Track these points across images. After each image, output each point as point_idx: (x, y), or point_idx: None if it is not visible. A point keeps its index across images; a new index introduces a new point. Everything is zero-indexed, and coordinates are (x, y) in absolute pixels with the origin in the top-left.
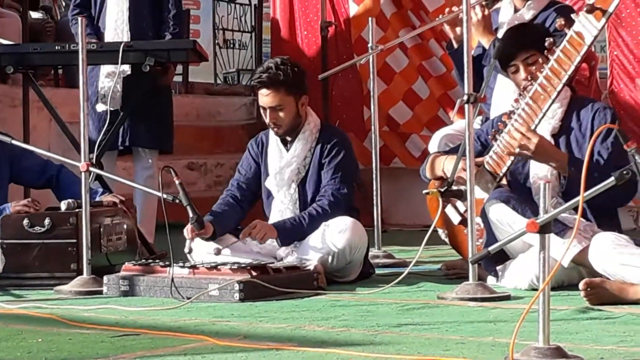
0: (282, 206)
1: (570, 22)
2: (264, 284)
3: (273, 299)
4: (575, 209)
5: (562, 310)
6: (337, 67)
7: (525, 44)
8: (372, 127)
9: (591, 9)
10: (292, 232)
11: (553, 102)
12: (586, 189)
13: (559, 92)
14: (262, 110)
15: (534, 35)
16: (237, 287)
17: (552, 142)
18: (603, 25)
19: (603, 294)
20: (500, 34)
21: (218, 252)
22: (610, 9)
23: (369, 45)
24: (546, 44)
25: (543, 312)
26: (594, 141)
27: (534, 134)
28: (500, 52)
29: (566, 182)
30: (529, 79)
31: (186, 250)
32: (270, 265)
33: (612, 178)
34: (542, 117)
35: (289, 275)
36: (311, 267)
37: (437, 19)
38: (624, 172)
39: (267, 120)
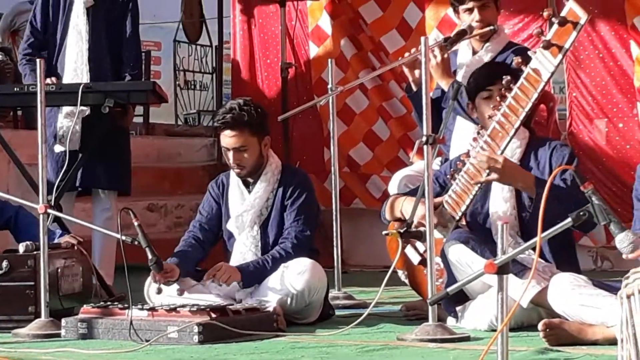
0: (243, 248)
1: (527, 60)
2: (224, 325)
3: (232, 341)
4: (534, 249)
5: (521, 351)
6: (297, 108)
7: (501, 76)
8: (332, 168)
9: (547, 45)
10: (255, 275)
11: (511, 139)
12: (549, 208)
13: (516, 129)
14: (224, 152)
15: (507, 70)
16: (196, 329)
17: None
18: (560, 61)
19: (562, 335)
20: (458, 76)
21: (181, 293)
22: (567, 45)
23: (329, 86)
24: (504, 81)
25: (502, 353)
26: (553, 178)
27: (499, 155)
28: (475, 80)
29: (533, 204)
30: (495, 112)
31: (155, 291)
32: (230, 307)
33: (569, 219)
34: (501, 154)
35: (249, 317)
36: (270, 309)
37: (397, 60)
38: (581, 214)
39: (230, 162)
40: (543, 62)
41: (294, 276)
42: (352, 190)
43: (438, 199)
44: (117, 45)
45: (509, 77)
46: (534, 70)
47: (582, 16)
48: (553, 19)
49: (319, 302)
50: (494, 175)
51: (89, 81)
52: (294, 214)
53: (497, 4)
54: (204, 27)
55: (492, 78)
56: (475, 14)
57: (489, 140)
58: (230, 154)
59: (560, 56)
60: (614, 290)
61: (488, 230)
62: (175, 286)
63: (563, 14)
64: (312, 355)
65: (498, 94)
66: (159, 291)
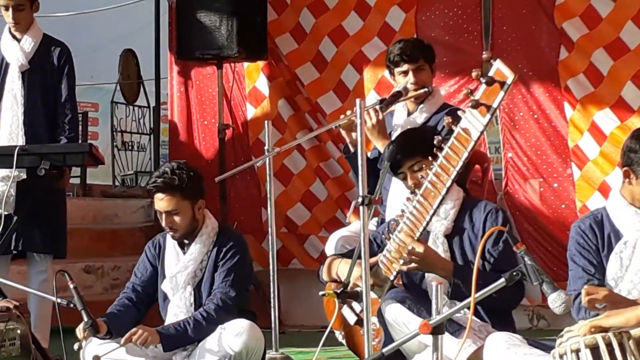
0: (177, 309)
1: (457, 119)
2: None
3: None
4: (469, 309)
5: None
6: (235, 169)
7: (410, 152)
8: (270, 228)
9: (476, 105)
10: (175, 338)
11: (444, 198)
12: (475, 292)
13: (448, 189)
14: (158, 214)
15: (419, 142)
16: None
17: (446, 242)
18: (488, 120)
19: None
20: (394, 137)
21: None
22: (494, 104)
23: (266, 147)
24: (435, 141)
25: None
26: (484, 244)
27: (419, 244)
28: (388, 161)
29: (451, 290)
30: (414, 186)
31: (75, 347)
32: None
33: (502, 279)
34: (433, 213)
35: None
36: None
37: (334, 122)
38: (514, 274)
39: (163, 224)
40: (472, 122)
41: (232, 337)
42: (290, 250)
43: (373, 259)
44: (52, 108)
45: (440, 137)
46: (464, 129)
47: (509, 76)
48: (481, 79)
49: None
50: (413, 265)
51: (24, 144)
52: (224, 274)
53: (432, 66)
54: (142, 88)
55: (399, 160)
56: (410, 76)
57: (421, 200)
58: (163, 217)
59: (488, 115)
60: (549, 349)
61: (424, 290)
62: (113, 345)
63: (490, 73)
64: None
65: (410, 172)
66: (79, 347)
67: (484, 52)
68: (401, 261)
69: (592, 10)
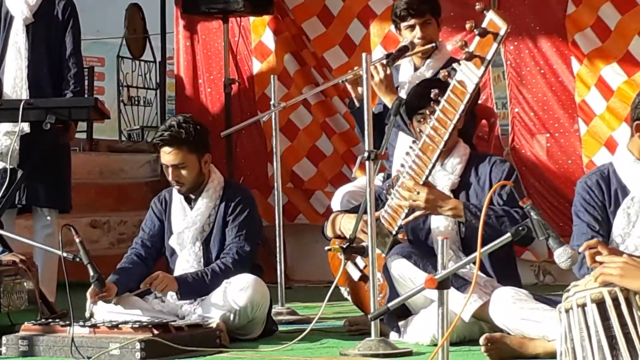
0: (186, 265)
1: (452, 72)
2: (166, 342)
3: (175, 357)
4: (475, 264)
5: None
6: (241, 124)
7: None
8: (276, 183)
9: (470, 57)
10: (193, 287)
11: (441, 151)
12: (484, 232)
13: (446, 142)
14: (164, 168)
15: (443, 87)
16: (138, 345)
17: (452, 196)
18: (483, 72)
19: (503, 349)
20: (401, 93)
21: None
22: (488, 56)
23: (272, 102)
24: (432, 95)
25: None
26: (491, 196)
27: (422, 187)
28: (410, 102)
29: (465, 229)
30: (425, 126)
31: (87, 314)
32: (172, 323)
33: (509, 234)
34: (432, 167)
35: (191, 334)
36: (213, 325)
37: (340, 76)
38: (520, 228)
39: (169, 178)
40: (467, 74)
41: (237, 292)
42: (295, 205)
43: (376, 214)
44: (57, 63)
45: (436, 91)
46: (460, 82)
47: (502, 27)
48: (475, 30)
49: (262, 318)
50: (418, 211)
51: (28, 97)
52: (236, 229)
53: (438, 21)
54: (148, 43)
55: (424, 100)
56: (417, 31)
57: (420, 154)
58: (170, 171)
59: (483, 67)
60: (554, 304)
61: (430, 246)
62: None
63: (483, 25)
64: None
65: (431, 112)
66: (91, 315)
67: (477, 4)
68: (403, 215)
69: None
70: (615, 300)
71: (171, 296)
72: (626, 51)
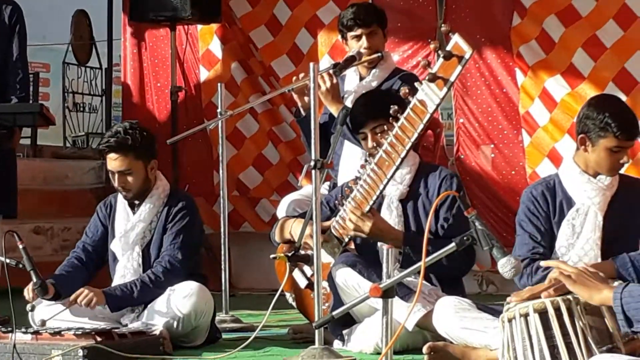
0: (125, 270)
1: (414, 91)
2: (109, 349)
3: None
4: (420, 273)
5: None
6: (187, 131)
7: (374, 114)
8: (221, 191)
9: (433, 78)
10: (121, 299)
11: (397, 168)
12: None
13: (402, 159)
14: (110, 174)
15: (383, 105)
16: (81, 352)
17: (400, 206)
18: (445, 93)
19: (446, 358)
20: (347, 102)
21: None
22: (452, 78)
23: (218, 110)
24: (391, 111)
25: None
26: (435, 208)
27: (368, 217)
28: (350, 119)
29: (402, 259)
30: (374, 147)
31: (28, 307)
32: (115, 330)
33: (453, 244)
34: (387, 183)
35: (135, 341)
36: (157, 332)
37: (287, 85)
38: (465, 238)
39: (115, 184)
40: (429, 94)
41: (181, 300)
42: (241, 213)
43: (327, 223)
44: (3, 67)
45: (396, 107)
46: (420, 101)
47: (467, 50)
48: (439, 52)
49: (206, 326)
50: (362, 235)
51: None
52: (172, 237)
53: (384, 31)
54: (94, 49)
55: (364, 119)
56: (364, 41)
57: (375, 169)
58: (116, 177)
59: (445, 89)
60: (497, 313)
61: (377, 254)
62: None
63: (448, 47)
64: None
65: (371, 133)
66: (32, 308)
67: (442, 25)
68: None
69: None
70: (557, 310)
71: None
72: (570, 63)
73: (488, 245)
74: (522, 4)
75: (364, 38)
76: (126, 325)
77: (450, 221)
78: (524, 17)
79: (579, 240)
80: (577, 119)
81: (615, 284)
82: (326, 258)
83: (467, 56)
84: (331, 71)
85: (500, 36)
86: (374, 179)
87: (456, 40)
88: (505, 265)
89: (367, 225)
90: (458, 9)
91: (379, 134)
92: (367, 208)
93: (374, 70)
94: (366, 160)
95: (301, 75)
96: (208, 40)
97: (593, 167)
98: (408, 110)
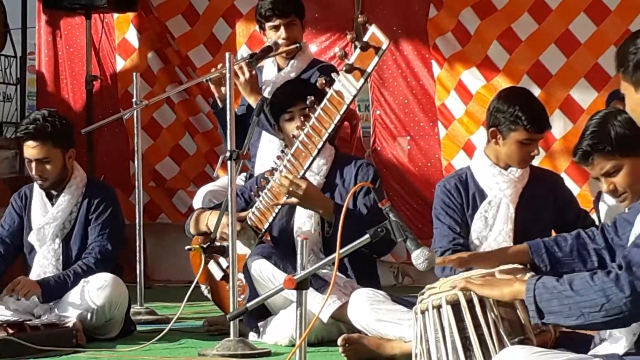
0: (44, 262)
1: (330, 82)
2: (21, 341)
3: (30, 357)
4: (337, 264)
5: None
6: (102, 121)
7: (302, 95)
8: (137, 182)
9: (350, 69)
10: (55, 290)
11: (314, 159)
12: (346, 236)
13: (319, 150)
14: (27, 163)
15: (310, 87)
16: None
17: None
18: (362, 85)
19: (361, 350)
20: (265, 93)
21: None
22: (369, 69)
23: (134, 100)
24: (307, 102)
25: None
26: (351, 196)
27: (303, 180)
28: (275, 102)
29: (332, 229)
30: (298, 132)
31: None
32: (28, 322)
33: (367, 235)
34: (304, 173)
35: (47, 333)
36: (70, 325)
37: (206, 75)
38: (379, 230)
39: (32, 173)
40: (346, 85)
41: (95, 291)
42: (158, 204)
43: (243, 214)
44: None
45: (312, 98)
46: (337, 92)
47: (384, 41)
48: (356, 43)
49: (120, 318)
50: (294, 199)
51: None
52: (99, 228)
53: (302, 22)
54: (8, 37)
55: (292, 99)
56: (282, 32)
57: (292, 160)
58: (33, 165)
59: (362, 80)
60: (411, 305)
61: (293, 246)
62: None
63: (365, 39)
64: None
65: (299, 114)
66: None
67: (359, 16)
68: (270, 217)
69: None
70: (469, 302)
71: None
72: (485, 56)
73: (402, 237)
74: None
75: (282, 29)
76: (39, 317)
77: (368, 207)
78: (440, 9)
79: (492, 232)
80: (487, 111)
81: (528, 275)
82: (242, 249)
83: (384, 47)
84: (248, 61)
85: (417, 28)
86: (290, 170)
87: (373, 32)
88: (418, 257)
89: (301, 189)
90: (375, 1)
91: (306, 116)
92: (284, 199)
93: (292, 61)
94: (282, 152)
95: (219, 65)
96: (124, 29)
97: (504, 160)
98: (325, 101)
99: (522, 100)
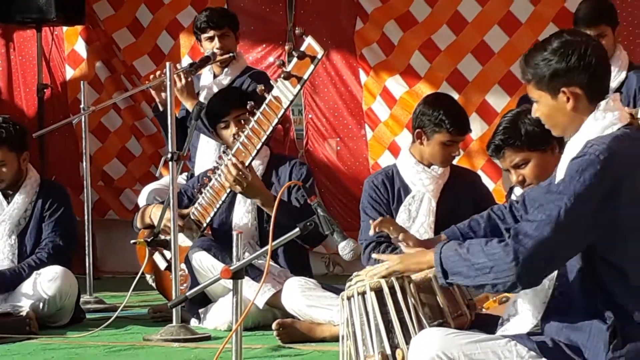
0: (1, 255)
1: (269, 88)
2: None
3: None
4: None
5: (256, 348)
6: (53, 125)
7: (236, 103)
8: (85, 182)
9: (288, 76)
10: (10, 281)
11: (254, 158)
12: (281, 229)
13: (258, 150)
14: None
15: (242, 96)
16: None
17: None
18: (299, 90)
19: (294, 333)
20: (201, 97)
21: None
22: (305, 76)
23: (82, 106)
24: (248, 106)
25: (236, 351)
26: (283, 190)
27: (249, 170)
28: (210, 112)
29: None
30: (239, 134)
31: None
32: None
33: (297, 229)
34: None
35: (2, 321)
36: (24, 314)
37: (148, 82)
38: (308, 223)
39: None
40: (284, 91)
41: (46, 283)
42: (106, 202)
43: (186, 210)
44: None
45: (252, 103)
46: (276, 97)
47: (319, 51)
48: (293, 53)
49: (70, 307)
50: (238, 188)
51: None
52: (52, 225)
53: (236, 33)
54: None
55: (226, 108)
56: (216, 42)
57: (233, 160)
58: None
59: (299, 86)
60: (340, 292)
61: (231, 239)
62: None
63: (302, 48)
64: (62, 357)
65: (234, 122)
66: None
67: (297, 28)
68: (212, 212)
69: None
70: (391, 288)
71: None
72: (408, 64)
73: (329, 230)
74: (365, 10)
75: (216, 39)
76: None
77: (302, 203)
78: (366, 22)
79: (415, 224)
80: (413, 114)
81: None
82: (184, 242)
83: (319, 56)
84: (187, 70)
85: (345, 39)
86: (238, 164)
87: (309, 42)
88: (344, 248)
89: (248, 178)
90: (306, 14)
91: (242, 122)
92: (224, 196)
93: (226, 69)
94: (224, 152)
95: (158, 73)
96: (73, 40)
97: (427, 159)
98: (264, 105)
99: (446, 105)
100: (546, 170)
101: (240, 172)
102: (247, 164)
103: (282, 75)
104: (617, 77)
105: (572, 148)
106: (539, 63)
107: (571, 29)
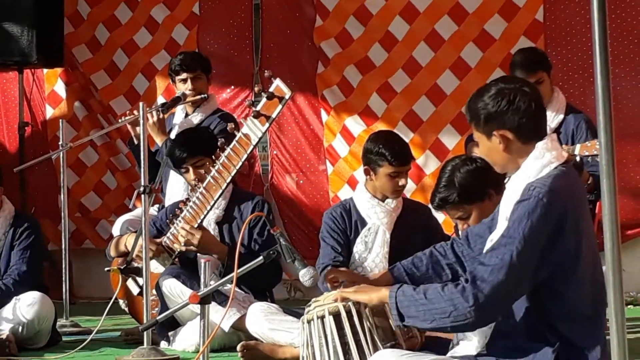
0: None
1: (239, 126)
2: None
3: None
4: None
5: None
6: (33, 160)
7: (194, 151)
8: (63, 213)
9: (257, 115)
10: None
11: (224, 191)
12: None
13: (228, 183)
14: None
15: (202, 142)
16: None
17: (217, 228)
18: (267, 128)
19: (257, 355)
20: (172, 134)
21: None
22: (274, 115)
23: (60, 143)
24: (219, 143)
25: None
26: (245, 226)
27: (198, 230)
28: (171, 157)
29: (224, 270)
30: (197, 180)
31: None
32: None
33: (261, 257)
34: (214, 204)
35: None
36: (3, 336)
37: (123, 119)
38: (271, 252)
39: None
40: (253, 129)
41: (25, 307)
42: (83, 232)
43: (158, 239)
44: None
45: (223, 140)
46: (245, 135)
47: (287, 92)
48: (262, 93)
49: (48, 330)
50: (192, 248)
51: None
52: (19, 253)
53: (208, 76)
54: None
55: (185, 156)
56: (189, 84)
57: (204, 192)
58: None
59: (267, 124)
60: (300, 316)
61: (197, 267)
62: None
63: (271, 89)
64: None
65: (193, 168)
66: None
67: (265, 71)
68: (183, 242)
69: (345, 33)
70: (348, 313)
71: None
72: (366, 105)
73: (291, 258)
74: (326, 54)
75: (189, 81)
76: None
77: (263, 238)
78: (327, 66)
79: (371, 254)
80: (362, 153)
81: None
82: (156, 269)
83: (287, 97)
84: (159, 109)
85: (308, 81)
86: (202, 201)
87: (277, 84)
88: (305, 275)
89: (196, 238)
90: (271, 58)
91: (200, 168)
92: (196, 225)
93: (197, 109)
94: (196, 185)
95: (135, 111)
96: (53, 82)
97: (380, 192)
98: (234, 142)
99: (386, 139)
100: (488, 215)
101: (189, 235)
102: (216, 196)
103: (252, 114)
104: (555, 118)
105: (513, 188)
106: (477, 107)
107: (508, 76)
